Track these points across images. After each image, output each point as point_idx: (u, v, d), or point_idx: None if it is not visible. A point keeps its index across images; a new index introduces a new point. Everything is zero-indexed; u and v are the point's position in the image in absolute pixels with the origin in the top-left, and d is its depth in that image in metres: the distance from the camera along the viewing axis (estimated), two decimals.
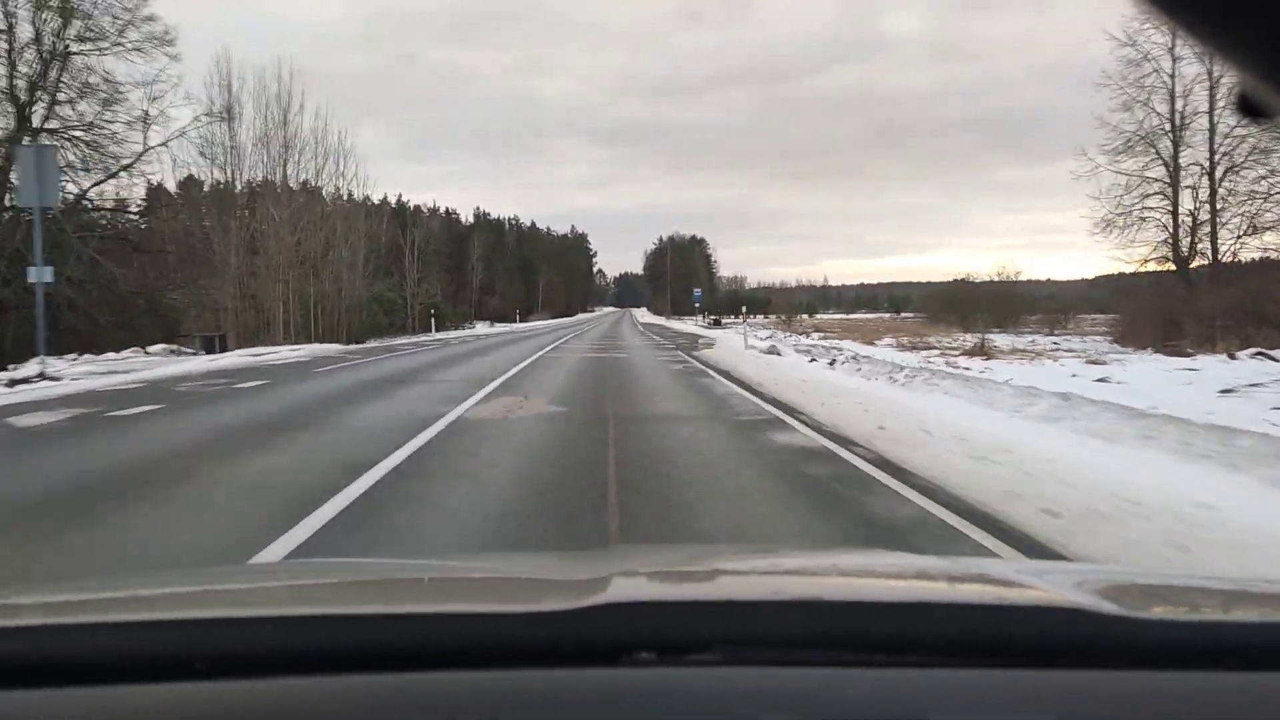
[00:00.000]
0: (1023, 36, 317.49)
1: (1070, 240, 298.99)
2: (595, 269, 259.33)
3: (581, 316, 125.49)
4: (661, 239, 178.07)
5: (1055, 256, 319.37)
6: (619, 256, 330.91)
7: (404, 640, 0.96)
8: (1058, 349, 32.33)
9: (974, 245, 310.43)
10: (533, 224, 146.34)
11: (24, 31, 26.49)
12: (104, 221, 31.37)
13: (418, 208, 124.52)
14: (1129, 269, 34.46)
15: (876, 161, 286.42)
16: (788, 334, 46.34)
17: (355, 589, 1.48)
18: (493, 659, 0.92)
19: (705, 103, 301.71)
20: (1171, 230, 33.94)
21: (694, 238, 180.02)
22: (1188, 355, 23.52)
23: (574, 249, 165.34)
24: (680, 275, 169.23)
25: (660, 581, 1.45)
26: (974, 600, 1.27)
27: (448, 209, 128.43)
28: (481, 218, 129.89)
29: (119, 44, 27.85)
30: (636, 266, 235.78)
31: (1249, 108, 0.43)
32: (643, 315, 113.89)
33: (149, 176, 31.46)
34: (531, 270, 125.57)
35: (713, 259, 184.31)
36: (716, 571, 1.62)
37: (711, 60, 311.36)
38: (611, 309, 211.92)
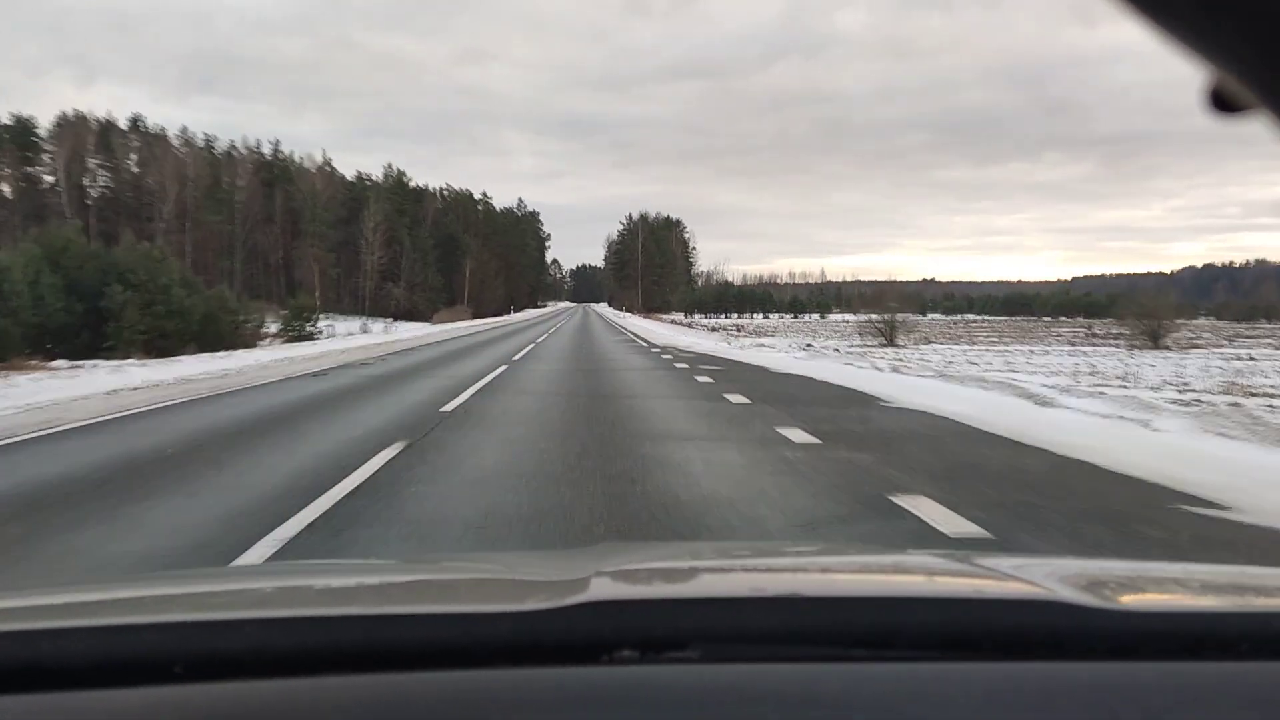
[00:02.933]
0: (970, 34, 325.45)
1: (1016, 242, 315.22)
2: (550, 259, 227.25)
3: (524, 315, 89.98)
4: (630, 217, 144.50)
5: (1000, 258, 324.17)
6: (571, 251, 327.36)
7: (385, 640, 0.96)
8: None
9: (923, 246, 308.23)
10: (467, 191, 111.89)
11: None
12: None
13: (290, 160, 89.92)
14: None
15: (825, 160, 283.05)
16: None
17: (336, 590, 1.47)
18: (474, 658, 0.92)
19: (653, 97, 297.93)
20: None
21: (669, 219, 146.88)
22: None
23: (521, 228, 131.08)
24: (655, 264, 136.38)
25: (641, 580, 1.44)
26: (952, 593, 1.27)
27: (360, 173, 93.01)
28: (393, 178, 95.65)
29: None
30: (589, 261, 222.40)
31: (1220, 103, 0.43)
32: (623, 318, 78.60)
33: None
34: (456, 249, 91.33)
35: (691, 245, 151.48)
36: (697, 569, 1.62)
37: (657, 54, 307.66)
38: (568, 305, 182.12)
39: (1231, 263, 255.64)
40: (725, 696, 0.86)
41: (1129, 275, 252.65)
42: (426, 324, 59.06)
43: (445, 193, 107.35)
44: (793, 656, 0.93)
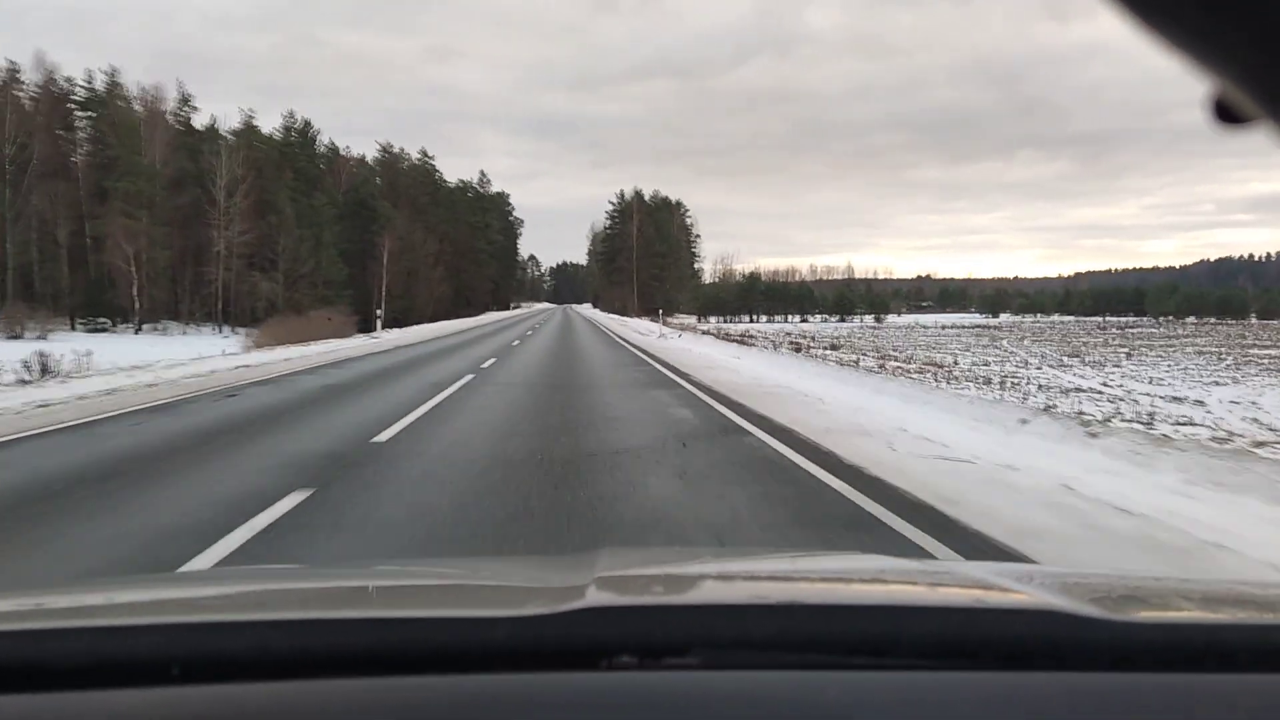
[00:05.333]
0: (942, 32, 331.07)
1: (992, 240, 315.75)
2: (526, 255, 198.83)
3: (424, 332, 58.50)
4: (623, 195, 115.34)
5: (978, 256, 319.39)
6: (549, 253, 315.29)
7: (383, 644, 0.95)
8: None
9: (900, 245, 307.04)
10: (400, 149, 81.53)
11: None
12: None
13: (118, 94, 60.23)
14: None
15: (801, 159, 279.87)
16: None
17: (335, 593, 1.45)
18: (475, 663, 0.91)
19: (626, 96, 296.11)
20: None
21: (668, 200, 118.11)
22: None
23: (484, 206, 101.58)
24: (654, 253, 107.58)
25: (641, 586, 1.44)
26: (952, 603, 1.26)
27: (248, 116, 62.74)
28: (296, 129, 66.30)
29: None
30: (569, 259, 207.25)
31: (1225, 114, 0.42)
32: (638, 332, 40.11)
33: None
34: (374, 225, 61.87)
35: (694, 233, 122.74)
36: (697, 576, 1.62)
37: (628, 52, 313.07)
38: (546, 306, 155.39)
39: (1251, 255, 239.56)
40: (725, 703, 0.85)
41: (1136, 271, 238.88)
42: (238, 343, 30.23)
43: (383, 156, 78.09)
44: (793, 664, 0.92)
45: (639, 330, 41.02)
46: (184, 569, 4.11)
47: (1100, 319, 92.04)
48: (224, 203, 50.86)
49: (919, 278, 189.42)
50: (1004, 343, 46.31)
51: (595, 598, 1.06)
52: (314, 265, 53.59)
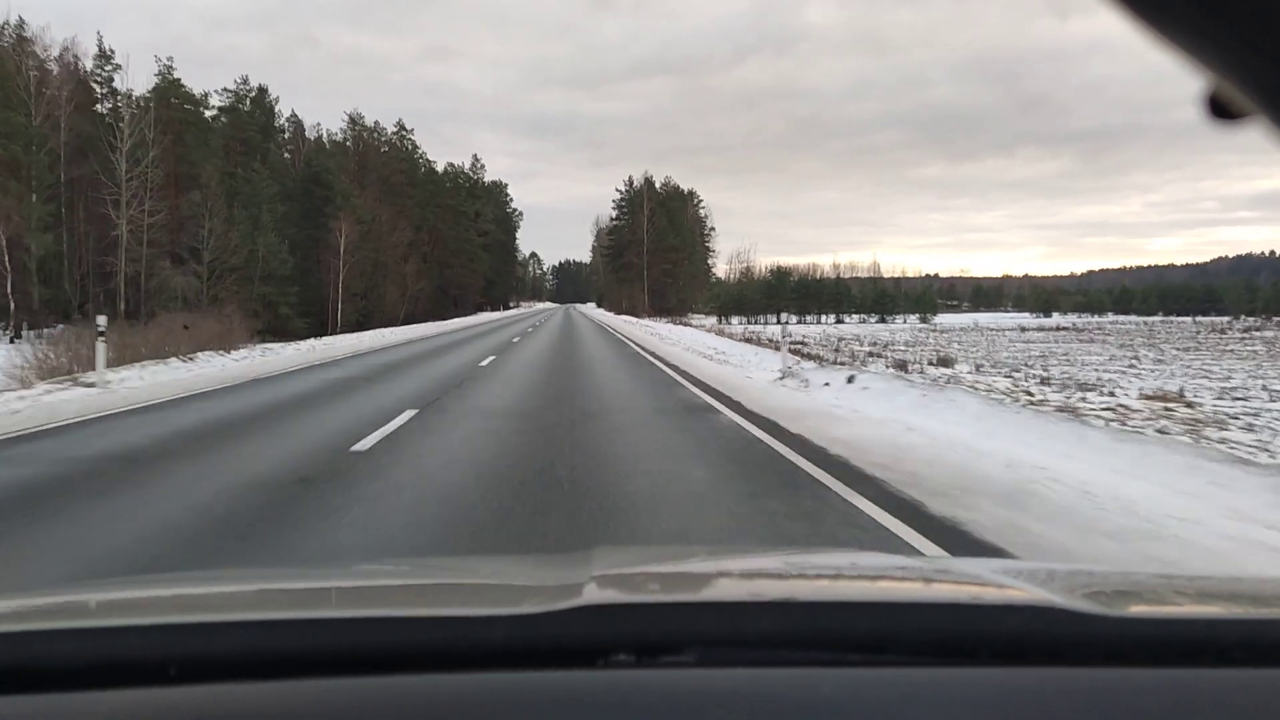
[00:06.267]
0: (941, 28, 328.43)
1: (994, 238, 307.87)
2: (529, 253, 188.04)
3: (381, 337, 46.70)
4: (631, 183, 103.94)
5: (978, 254, 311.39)
6: (547, 253, 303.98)
7: (380, 643, 0.95)
8: None
9: (902, 244, 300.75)
10: (375, 122, 69.81)
11: None
12: None
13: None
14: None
15: (800, 158, 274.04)
16: None
17: (333, 593, 1.46)
18: (469, 661, 0.91)
19: (624, 94, 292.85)
20: None
21: (678, 188, 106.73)
22: None
23: (476, 194, 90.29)
24: (666, 246, 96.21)
25: (637, 584, 1.44)
26: (948, 599, 1.26)
27: (166, 68, 51.13)
28: (247, 94, 55.05)
29: None
30: (571, 258, 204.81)
31: (1219, 110, 0.42)
32: (708, 354, 22.07)
33: None
34: (330, 206, 50.45)
35: (709, 226, 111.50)
36: (693, 574, 1.62)
37: (626, 50, 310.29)
38: (548, 306, 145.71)
39: (1272, 252, 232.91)
40: (721, 701, 0.85)
41: (1152, 268, 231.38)
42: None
43: (350, 129, 66.78)
44: (789, 661, 0.92)
45: (694, 348, 24.46)
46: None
47: (1190, 319, 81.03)
48: (125, 174, 39.75)
49: (927, 275, 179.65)
50: (1140, 351, 35.22)
51: (592, 595, 1.04)
52: (249, 254, 42.43)
